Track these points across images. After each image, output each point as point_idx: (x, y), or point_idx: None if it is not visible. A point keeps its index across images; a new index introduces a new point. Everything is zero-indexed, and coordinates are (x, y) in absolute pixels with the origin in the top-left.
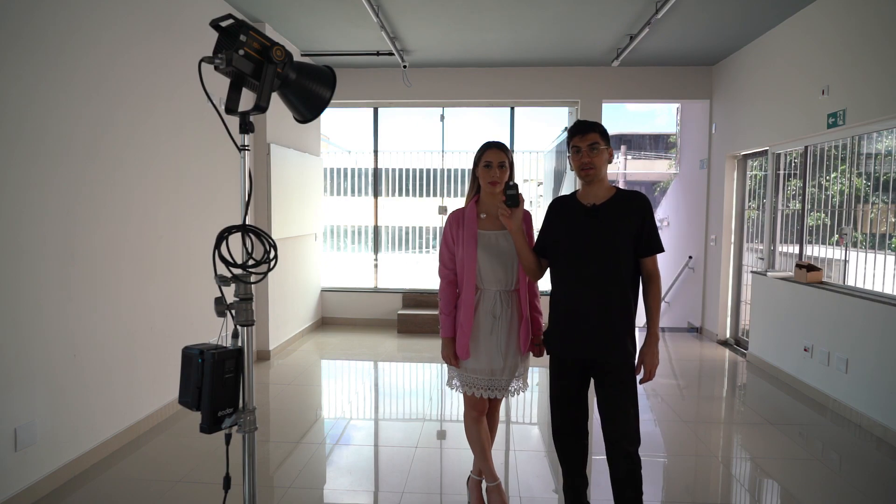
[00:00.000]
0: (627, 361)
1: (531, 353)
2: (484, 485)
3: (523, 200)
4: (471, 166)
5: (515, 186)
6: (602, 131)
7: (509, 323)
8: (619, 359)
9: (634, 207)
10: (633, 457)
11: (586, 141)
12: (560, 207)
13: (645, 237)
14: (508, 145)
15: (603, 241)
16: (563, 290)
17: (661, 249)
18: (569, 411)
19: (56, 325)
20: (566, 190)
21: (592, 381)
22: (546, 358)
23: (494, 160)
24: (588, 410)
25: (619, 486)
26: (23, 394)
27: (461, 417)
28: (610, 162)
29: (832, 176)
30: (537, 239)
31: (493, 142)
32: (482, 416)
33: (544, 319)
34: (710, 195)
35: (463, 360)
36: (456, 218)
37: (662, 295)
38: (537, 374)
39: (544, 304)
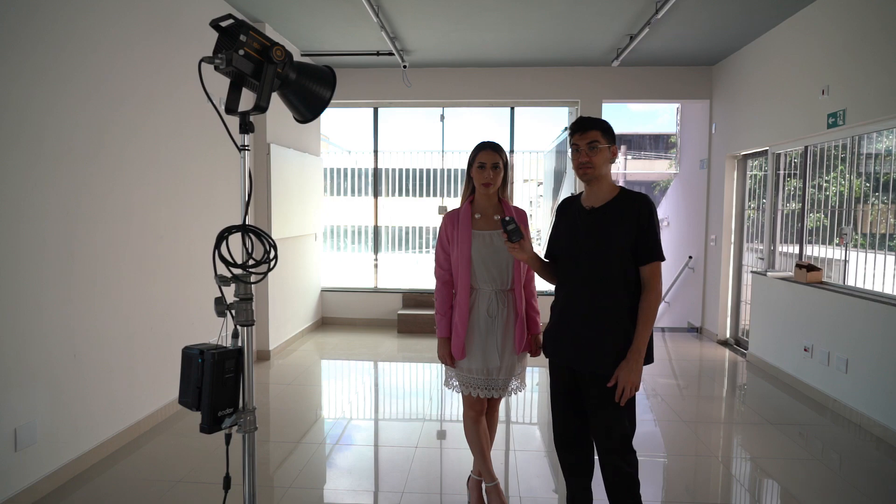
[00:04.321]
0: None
1: (528, 353)
2: (484, 485)
3: (526, 230)
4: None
5: (511, 220)
6: (604, 128)
7: (505, 322)
8: (605, 371)
9: (633, 210)
10: (621, 469)
11: (586, 139)
12: (564, 209)
13: (641, 243)
14: (508, 145)
15: (596, 245)
16: (558, 293)
17: (659, 257)
18: (565, 418)
19: (56, 325)
20: (566, 190)
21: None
22: (545, 358)
23: (488, 161)
24: (586, 419)
25: (610, 491)
26: (23, 394)
27: (461, 417)
28: (613, 161)
29: (832, 176)
30: (547, 244)
31: (487, 142)
32: (480, 416)
33: (544, 319)
34: (710, 195)
35: (458, 359)
36: (451, 218)
37: (663, 295)
38: (537, 374)
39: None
